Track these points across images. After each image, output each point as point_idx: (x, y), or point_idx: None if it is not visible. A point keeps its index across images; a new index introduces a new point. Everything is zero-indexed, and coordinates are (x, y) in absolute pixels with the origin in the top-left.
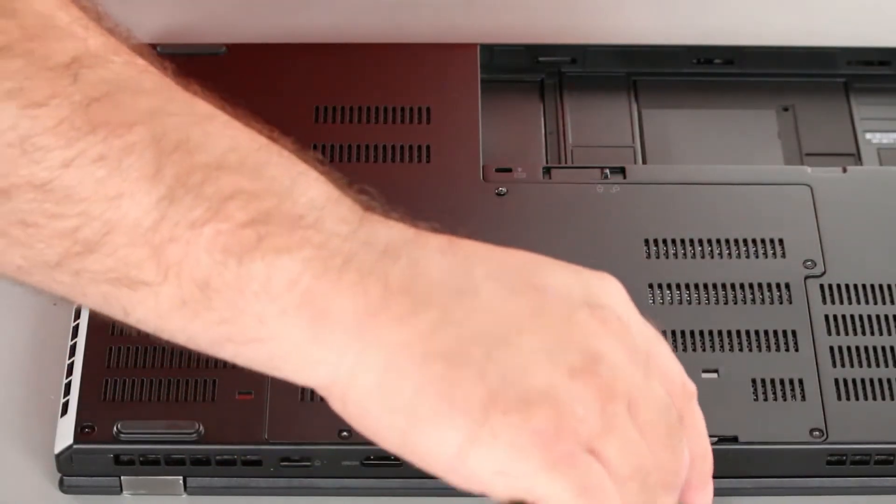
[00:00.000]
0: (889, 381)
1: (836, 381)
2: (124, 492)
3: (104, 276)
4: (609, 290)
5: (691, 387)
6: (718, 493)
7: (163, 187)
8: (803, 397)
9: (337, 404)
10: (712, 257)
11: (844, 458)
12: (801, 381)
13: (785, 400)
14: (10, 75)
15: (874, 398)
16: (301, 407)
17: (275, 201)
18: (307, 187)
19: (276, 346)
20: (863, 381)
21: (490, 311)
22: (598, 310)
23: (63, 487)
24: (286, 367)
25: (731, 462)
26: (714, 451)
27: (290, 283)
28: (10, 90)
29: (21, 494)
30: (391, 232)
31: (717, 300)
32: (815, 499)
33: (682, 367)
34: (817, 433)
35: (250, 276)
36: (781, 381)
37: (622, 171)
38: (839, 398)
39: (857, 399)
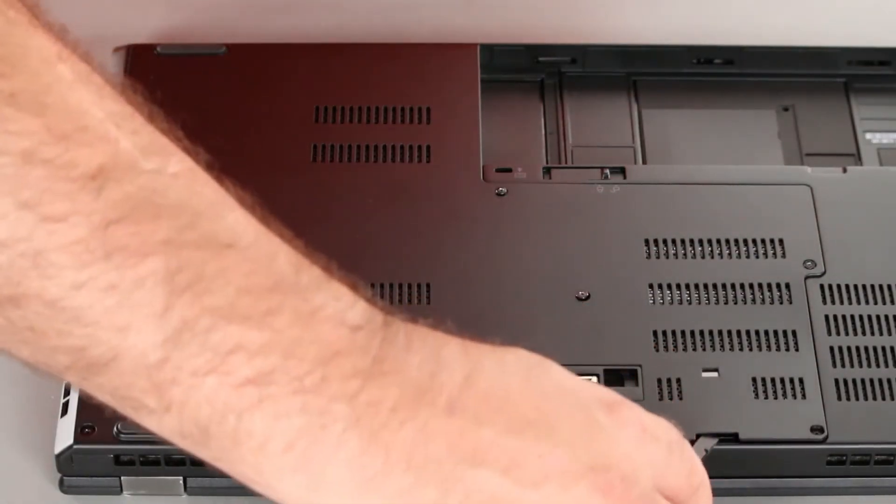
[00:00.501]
0: (889, 381)
1: (837, 381)
2: (124, 492)
3: (111, 392)
4: (622, 440)
5: (696, 479)
6: (718, 493)
7: (169, 329)
8: (804, 396)
9: None
10: (712, 257)
11: (844, 458)
12: (801, 381)
13: (785, 398)
14: (31, 183)
15: (874, 398)
16: None
17: (280, 359)
18: (318, 335)
19: (275, 492)
20: (863, 381)
21: (488, 488)
22: (603, 474)
23: (63, 487)
24: None
25: (731, 462)
26: (714, 450)
27: (287, 446)
28: (29, 200)
29: (21, 494)
30: (403, 382)
31: (717, 300)
32: (816, 499)
33: (691, 461)
34: (818, 431)
35: (248, 433)
36: (782, 381)
37: (622, 171)
38: (839, 398)
39: (857, 399)
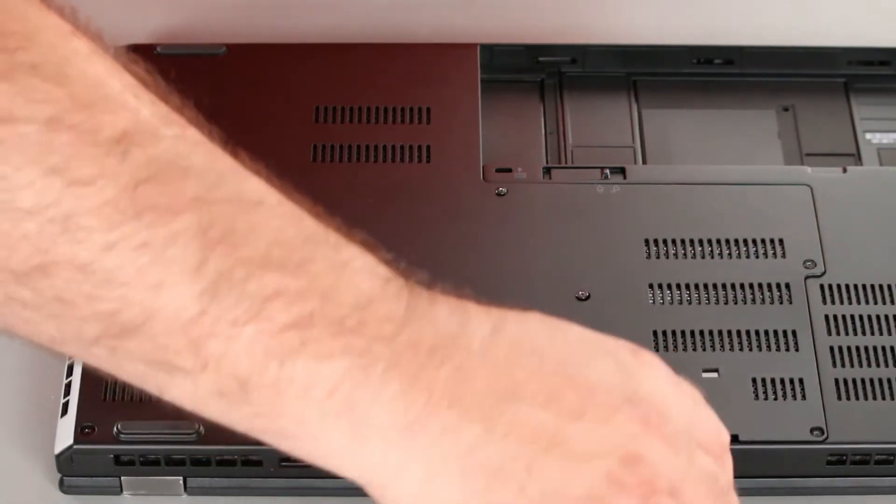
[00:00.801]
0: (889, 381)
1: (836, 380)
2: (124, 492)
3: (141, 357)
4: (650, 377)
5: (725, 438)
6: None
7: (205, 281)
8: (804, 396)
9: (376, 494)
10: (712, 257)
11: (844, 458)
12: (801, 381)
13: (785, 399)
14: (57, 149)
15: (874, 398)
16: None
17: (318, 302)
18: (352, 283)
19: (316, 444)
20: (863, 381)
21: (531, 422)
22: (639, 406)
23: (63, 488)
24: (326, 462)
25: (732, 462)
26: None
27: (331, 391)
28: (56, 166)
29: (21, 494)
30: (436, 328)
31: (717, 300)
32: (816, 499)
33: (718, 422)
34: (818, 432)
35: (290, 380)
36: (782, 381)
37: (622, 171)
38: (839, 398)
39: (857, 399)
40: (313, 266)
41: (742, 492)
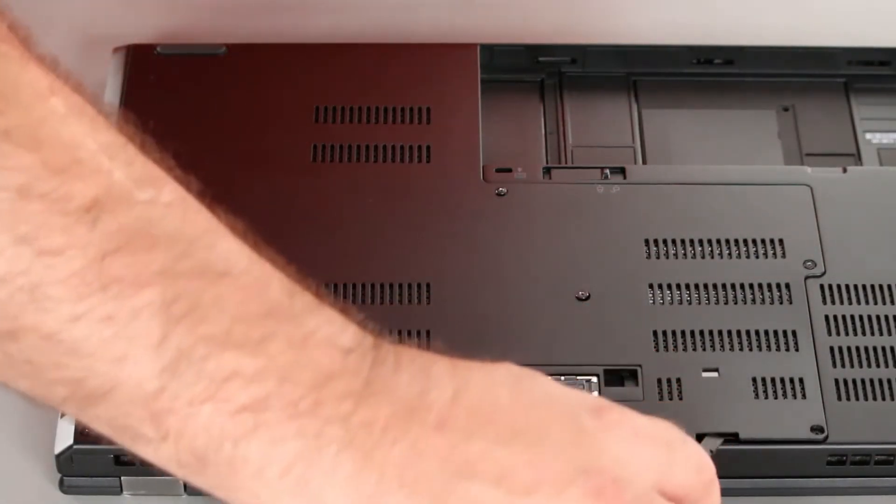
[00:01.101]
0: (889, 381)
1: (837, 381)
2: (124, 492)
3: (107, 422)
4: (611, 442)
5: (707, 473)
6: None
7: (166, 358)
8: (804, 395)
9: None
10: (712, 257)
11: (845, 458)
12: (801, 380)
13: (785, 398)
14: (28, 218)
15: (874, 398)
16: None
17: (274, 384)
18: (311, 359)
19: None
20: (863, 381)
21: (481, 500)
22: (594, 477)
23: (63, 488)
24: None
25: (731, 462)
26: (714, 451)
27: (284, 470)
28: (26, 235)
29: (21, 494)
30: (394, 402)
31: (717, 300)
32: (816, 499)
33: (698, 456)
34: (818, 430)
35: (245, 460)
36: (782, 380)
37: (622, 171)
38: (839, 398)
39: (857, 399)
40: (273, 345)
41: (742, 492)
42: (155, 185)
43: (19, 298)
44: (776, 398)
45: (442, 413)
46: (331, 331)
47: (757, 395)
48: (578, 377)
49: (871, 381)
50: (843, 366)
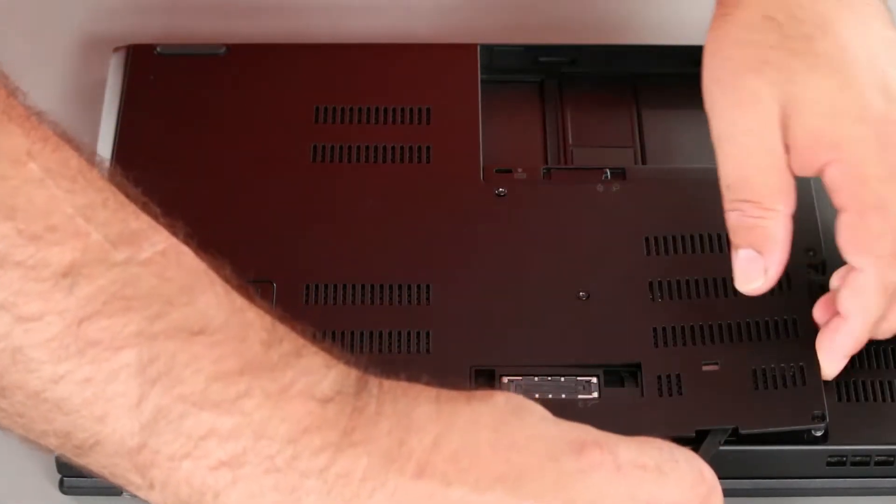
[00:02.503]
0: (890, 382)
1: (837, 382)
2: (124, 492)
3: (98, 469)
4: (591, 484)
5: (702, 488)
6: None
7: (145, 417)
8: (804, 382)
9: None
10: (712, 251)
11: (845, 458)
12: (801, 368)
13: (786, 386)
14: (5, 286)
15: (874, 399)
16: None
17: (250, 441)
18: (287, 413)
19: None
20: (863, 382)
21: None
22: None
23: (63, 488)
24: None
25: (732, 462)
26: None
27: None
28: (4, 302)
29: (21, 494)
30: (372, 452)
31: (717, 293)
32: (816, 499)
33: (692, 473)
34: (819, 419)
35: None
36: (782, 369)
37: (622, 172)
38: (839, 399)
39: (857, 400)
40: (249, 401)
41: (742, 492)
42: (133, 243)
43: (4, 359)
44: (776, 388)
45: (421, 460)
46: (308, 381)
47: (757, 387)
48: (579, 378)
49: (872, 382)
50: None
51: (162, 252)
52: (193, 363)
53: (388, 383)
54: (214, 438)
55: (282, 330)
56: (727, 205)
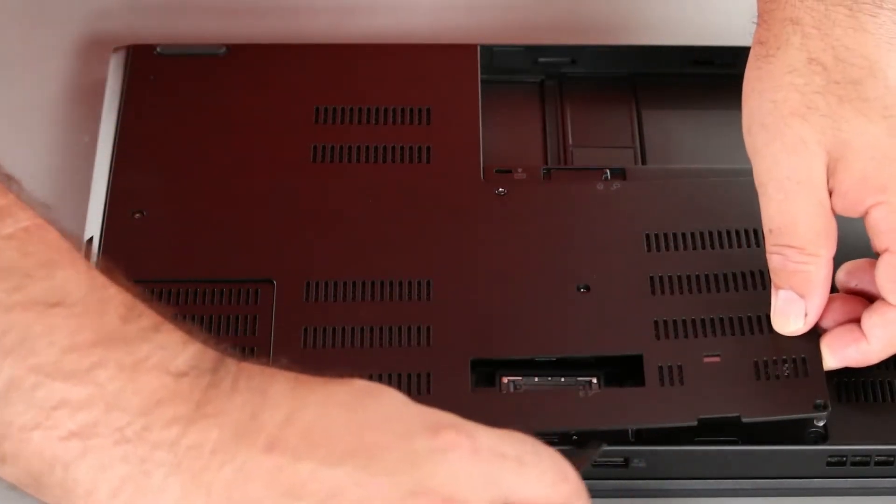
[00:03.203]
0: (890, 382)
1: (837, 383)
2: None
3: None
4: (445, 464)
5: (564, 488)
6: (718, 493)
7: None
8: (806, 373)
9: None
10: (713, 248)
11: (845, 459)
12: (803, 360)
13: (787, 377)
14: None
15: (874, 399)
16: None
17: (102, 412)
18: (140, 385)
19: None
20: (863, 382)
21: None
22: (422, 499)
23: None
24: None
25: (732, 462)
26: (714, 451)
27: (113, 493)
28: None
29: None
30: (224, 424)
31: (718, 288)
32: (816, 499)
33: (556, 470)
34: (821, 407)
35: (75, 482)
36: (784, 361)
37: (622, 172)
38: (839, 400)
39: (857, 400)
40: (102, 372)
41: (742, 492)
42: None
43: None
44: (777, 378)
45: (272, 435)
46: (164, 355)
47: (759, 377)
48: (579, 378)
49: (872, 382)
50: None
51: (25, 229)
52: (48, 335)
53: (246, 364)
54: (66, 409)
55: (142, 307)
56: (770, 248)
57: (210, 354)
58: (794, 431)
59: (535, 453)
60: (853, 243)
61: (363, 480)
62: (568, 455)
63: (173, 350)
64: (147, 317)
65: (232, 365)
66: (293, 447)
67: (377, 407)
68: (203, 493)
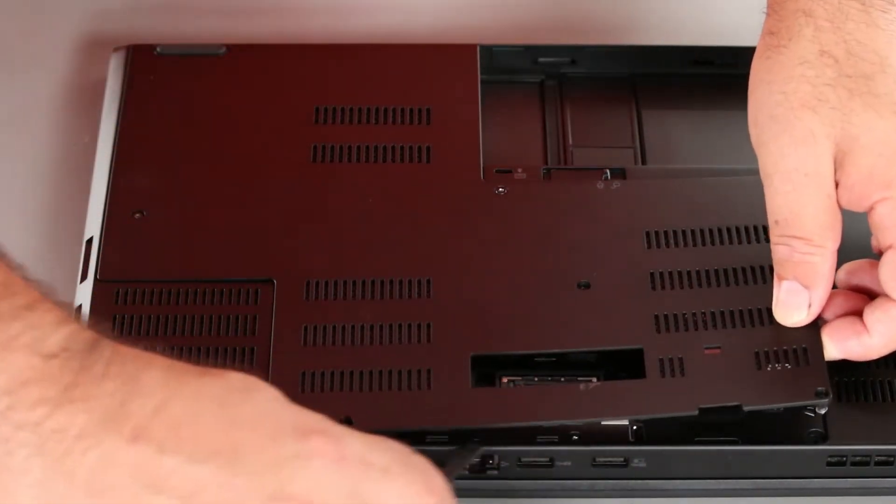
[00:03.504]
0: (890, 382)
1: (837, 383)
2: None
3: None
4: (307, 469)
5: (430, 499)
6: (718, 493)
7: None
8: (807, 362)
9: None
10: (713, 244)
11: (845, 459)
12: (804, 349)
13: (788, 366)
14: None
15: (874, 399)
16: (301, 400)
17: None
18: (8, 364)
19: None
20: (863, 382)
21: None
22: (283, 503)
23: None
24: None
25: (732, 462)
26: (714, 451)
27: None
28: None
29: None
30: (92, 409)
31: (719, 283)
32: (816, 499)
33: (425, 479)
34: (822, 395)
35: None
36: (784, 352)
37: (622, 172)
38: (839, 400)
39: (857, 400)
40: None
41: (742, 492)
42: None
43: None
44: (778, 367)
45: (139, 424)
46: (35, 335)
47: (759, 367)
48: (579, 378)
49: (872, 382)
50: (843, 367)
51: None
52: None
53: (123, 348)
54: None
55: (19, 286)
56: (775, 239)
57: (84, 336)
58: (794, 431)
59: (404, 463)
60: (853, 243)
61: (225, 482)
62: (446, 457)
63: (45, 330)
64: (22, 295)
65: (106, 348)
66: (160, 439)
67: (249, 404)
68: (64, 476)
